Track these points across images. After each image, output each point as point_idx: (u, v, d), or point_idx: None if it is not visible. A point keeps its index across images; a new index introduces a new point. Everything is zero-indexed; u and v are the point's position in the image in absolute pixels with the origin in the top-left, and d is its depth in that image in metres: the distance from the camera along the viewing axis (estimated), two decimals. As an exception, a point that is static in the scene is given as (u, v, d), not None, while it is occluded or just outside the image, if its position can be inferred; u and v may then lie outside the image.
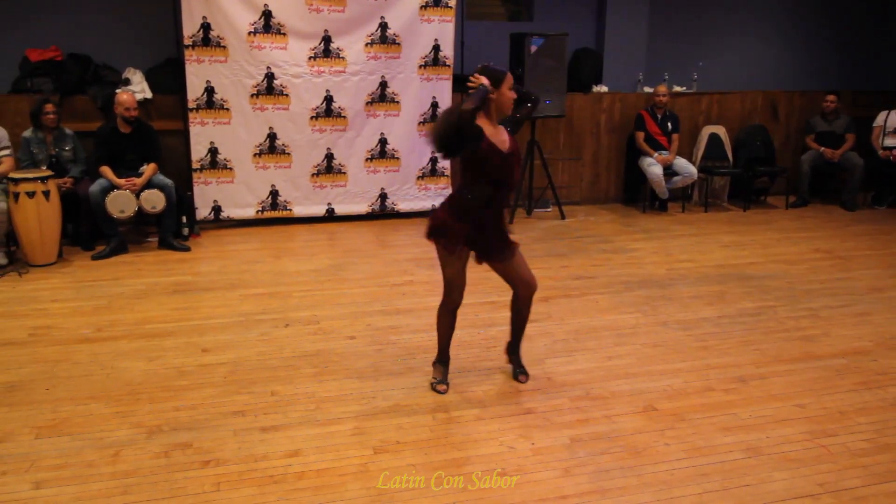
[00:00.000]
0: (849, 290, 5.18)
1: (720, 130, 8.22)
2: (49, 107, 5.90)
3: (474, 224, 3.34)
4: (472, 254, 3.46)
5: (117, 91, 6.13)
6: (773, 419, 3.35)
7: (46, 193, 5.51)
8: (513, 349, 3.78)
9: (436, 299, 3.62)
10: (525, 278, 3.56)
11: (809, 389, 3.65)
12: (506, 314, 4.63)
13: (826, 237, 6.74)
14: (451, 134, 3.11)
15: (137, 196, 5.88)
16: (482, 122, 3.29)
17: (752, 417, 3.36)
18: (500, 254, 3.46)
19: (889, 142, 7.92)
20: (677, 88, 8.15)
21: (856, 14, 8.94)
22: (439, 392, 3.58)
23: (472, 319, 4.50)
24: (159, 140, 6.26)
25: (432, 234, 3.41)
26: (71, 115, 6.41)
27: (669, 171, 7.56)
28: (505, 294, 5.02)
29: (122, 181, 5.84)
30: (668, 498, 2.74)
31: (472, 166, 3.30)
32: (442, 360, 3.68)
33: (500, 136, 3.35)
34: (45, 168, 5.88)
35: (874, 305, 4.88)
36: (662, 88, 7.61)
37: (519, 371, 3.75)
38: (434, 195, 7.29)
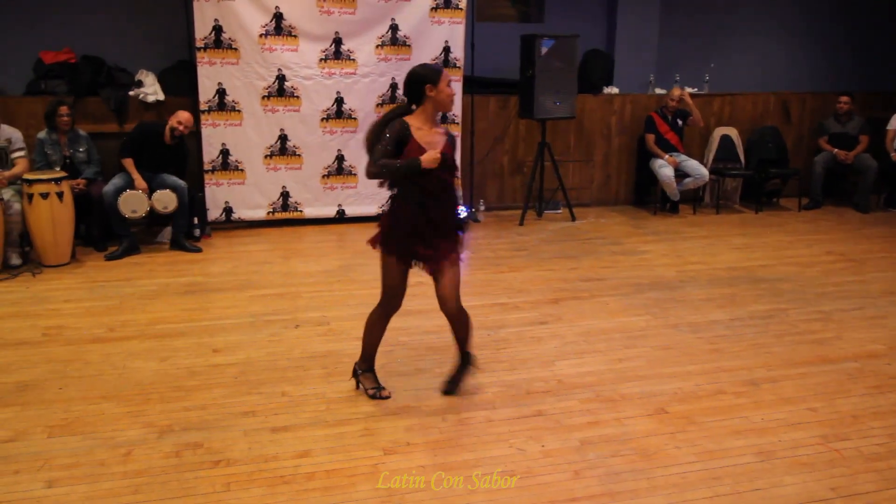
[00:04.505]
0: (862, 293, 5.14)
1: (732, 132, 8.18)
2: (64, 109, 5.95)
3: (408, 227, 3.23)
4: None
5: (178, 112, 6.13)
6: (784, 423, 3.32)
7: (60, 194, 5.55)
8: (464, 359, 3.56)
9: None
10: (442, 292, 3.30)
11: (821, 393, 3.62)
12: (517, 315, 4.67)
13: (839, 239, 6.69)
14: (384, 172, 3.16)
15: (149, 196, 5.92)
16: (416, 120, 3.21)
17: (764, 421, 3.34)
18: (433, 258, 3.27)
19: (904, 144, 7.88)
20: (689, 90, 8.11)
21: (868, 15, 8.88)
22: (385, 398, 3.50)
23: (483, 321, 4.50)
24: (188, 160, 6.36)
25: (373, 241, 3.31)
26: (84, 117, 6.45)
27: (680, 173, 7.53)
28: (515, 295, 5.05)
29: (138, 179, 5.89)
30: (679, 501, 2.73)
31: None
32: (371, 367, 3.57)
33: (431, 138, 3.23)
34: (58, 169, 5.93)
35: (888, 308, 4.84)
36: (676, 92, 7.56)
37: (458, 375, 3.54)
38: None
